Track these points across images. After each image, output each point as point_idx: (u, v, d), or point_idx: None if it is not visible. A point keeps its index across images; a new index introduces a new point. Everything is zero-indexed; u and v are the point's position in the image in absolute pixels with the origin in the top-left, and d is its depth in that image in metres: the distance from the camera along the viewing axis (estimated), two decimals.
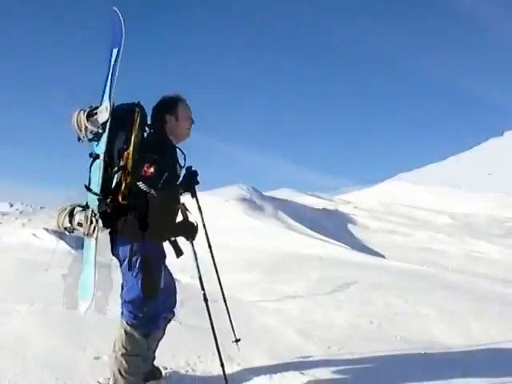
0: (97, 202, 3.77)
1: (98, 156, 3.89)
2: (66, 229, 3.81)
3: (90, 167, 4.01)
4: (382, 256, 11.41)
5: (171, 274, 4.02)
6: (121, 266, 3.88)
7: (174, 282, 4.06)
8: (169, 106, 4.14)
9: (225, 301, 4.49)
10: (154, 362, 4.11)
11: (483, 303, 6.83)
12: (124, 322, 3.82)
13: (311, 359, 4.60)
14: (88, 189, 3.84)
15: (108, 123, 3.85)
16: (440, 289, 7.60)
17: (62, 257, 10.29)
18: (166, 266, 3.93)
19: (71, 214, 3.78)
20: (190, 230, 3.95)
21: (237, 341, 4.46)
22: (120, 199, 3.75)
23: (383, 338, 5.26)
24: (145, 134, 3.97)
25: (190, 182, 4.32)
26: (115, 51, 4.06)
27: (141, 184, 3.70)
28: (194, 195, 4.36)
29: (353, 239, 13.82)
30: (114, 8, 4.07)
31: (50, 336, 5.06)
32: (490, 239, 14.27)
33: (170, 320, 4.09)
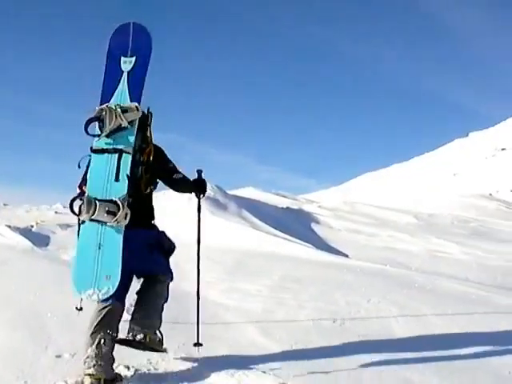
0: (123, 193, 4.29)
1: (122, 151, 4.40)
2: (91, 218, 4.20)
3: (85, 161, 4.50)
4: (346, 255, 11.50)
5: None
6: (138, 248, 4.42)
7: None
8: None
9: (198, 301, 4.87)
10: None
11: (445, 302, 6.95)
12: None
13: (273, 357, 4.65)
14: (129, 179, 4.32)
15: (137, 121, 4.43)
16: (402, 288, 7.71)
17: (23, 253, 10.27)
18: None
19: (99, 205, 4.19)
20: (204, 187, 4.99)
21: (198, 345, 4.66)
22: (146, 190, 4.51)
23: (345, 337, 5.32)
24: None
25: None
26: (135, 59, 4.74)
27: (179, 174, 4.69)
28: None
29: (316, 238, 13.89)
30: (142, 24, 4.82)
31: (10, 334, 5.06)
32: (454, 239, 14.44)
33: None
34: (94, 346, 4.12)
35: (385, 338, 5.33)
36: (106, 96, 4.60)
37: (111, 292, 4.16)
